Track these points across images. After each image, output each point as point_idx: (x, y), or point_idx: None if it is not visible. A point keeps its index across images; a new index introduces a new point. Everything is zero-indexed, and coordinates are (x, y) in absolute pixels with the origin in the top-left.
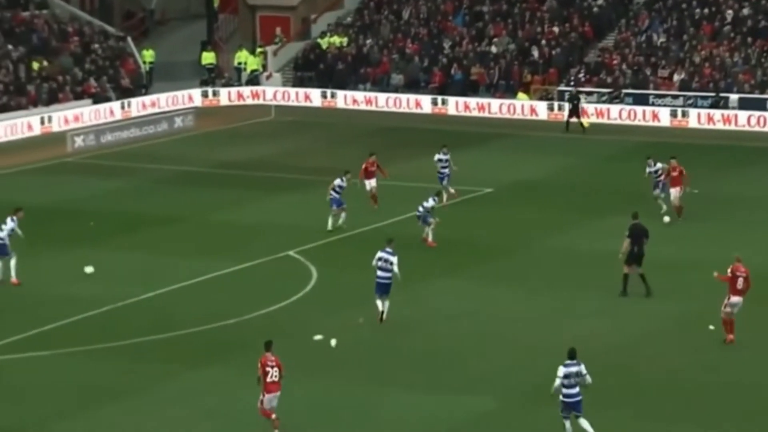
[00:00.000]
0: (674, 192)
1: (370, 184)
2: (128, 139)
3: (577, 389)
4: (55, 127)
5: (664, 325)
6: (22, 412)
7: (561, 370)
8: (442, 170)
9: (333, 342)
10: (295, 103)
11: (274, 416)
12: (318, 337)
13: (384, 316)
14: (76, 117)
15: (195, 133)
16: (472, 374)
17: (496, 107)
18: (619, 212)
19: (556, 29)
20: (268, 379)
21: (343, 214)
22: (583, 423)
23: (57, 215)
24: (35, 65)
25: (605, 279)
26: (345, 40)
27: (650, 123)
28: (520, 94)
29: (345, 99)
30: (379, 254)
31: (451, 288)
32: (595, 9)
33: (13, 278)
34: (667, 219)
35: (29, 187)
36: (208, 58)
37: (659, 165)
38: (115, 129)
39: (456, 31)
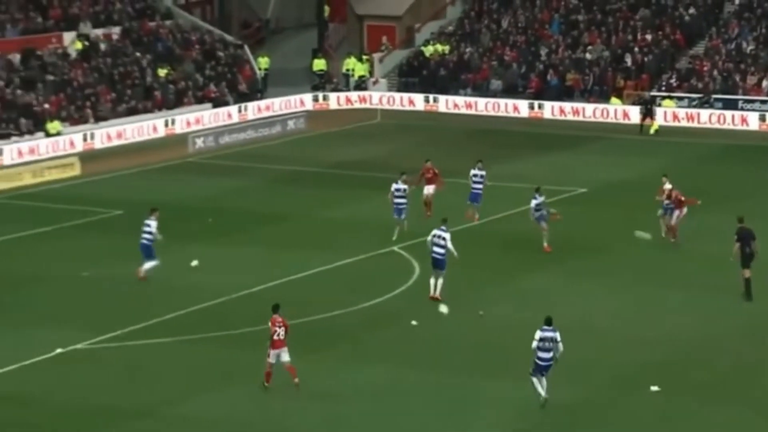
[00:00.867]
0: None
1: (428, 190)
2: (244, 140)
3: (550, 354)
4: (178, 129)
5: (753, 322)
6: (148, 393)
7: (538, 334)
8: (476, 186)
9: (444, 309)
10: (400, 107)
11: (294, 379)
12: (443, 309)
13: (437, 292)
14: (197, 120)
15: (306, 135)
16: (565, 364)
17: (590, 111)
18: (708, 212)
19: (648, 37)
20: (275, 338)
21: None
22: (544, 381)
23: (178, 212)
24: (161, 71)
25: (693, 276)
26: (447, 47)
27: (739, 127)
28: (614, 99)
29: (446, 103)
30: (434, 232)
31: (547, 282)
32: (687, 18)
33: (142, 273)
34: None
35: (153, 185)
36: (319, 64)
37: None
38: (232, 131)
39: (552, 38)
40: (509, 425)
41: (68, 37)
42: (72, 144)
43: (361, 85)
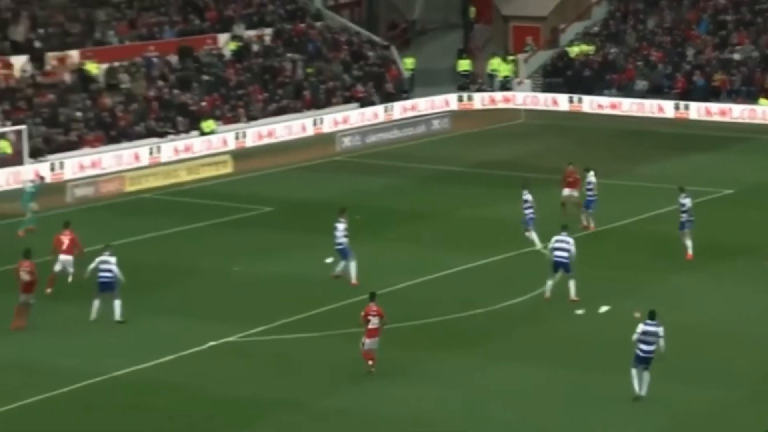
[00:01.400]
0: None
1: (571, 192)
2: (390, 140)
3: (652, 347)
4: (326, 128)
5: None
6: (296, 386)
7: (640, 327)
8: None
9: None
10: (544, 107)
11: (371, 362)
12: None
13: (572, 294)
14: (344, 119)
15: (451, 134)
16: (708, 366)
17: (737, 112)
18: None
19: None
20: (370, 326)
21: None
22: (646, 377)
23: (326, 209)
24: (310, 71)
25: None
26: (592, 48)
27: None
28: (762, 100)
29: (591, 104)
30: (556, 238)
31: (691, 284)
32: None
33: (354, 280)
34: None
35: (301, 182)
36: (464, 65)
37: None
38: (378, 130)
39: (699, 39)
40: (651, 424)
41: (223, 38)
42: (225, 142)
43: (505, 85)
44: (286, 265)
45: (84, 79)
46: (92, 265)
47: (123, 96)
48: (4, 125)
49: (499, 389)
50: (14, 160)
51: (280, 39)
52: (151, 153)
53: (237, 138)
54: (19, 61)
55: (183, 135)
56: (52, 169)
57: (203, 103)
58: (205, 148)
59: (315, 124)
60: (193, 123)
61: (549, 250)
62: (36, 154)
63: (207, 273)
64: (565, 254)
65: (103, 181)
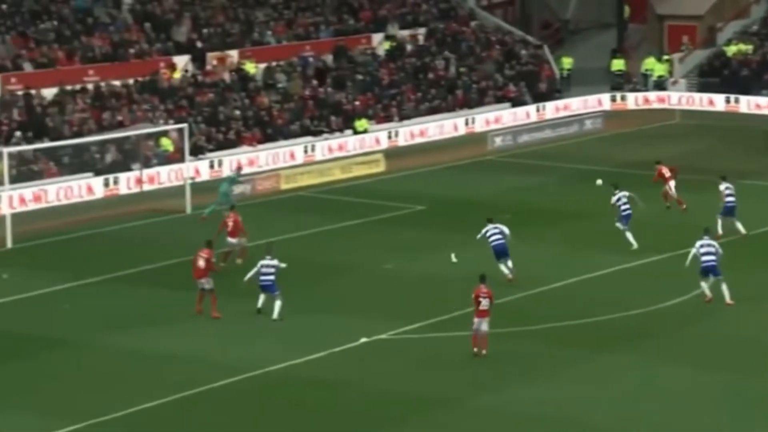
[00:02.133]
0: None
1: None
2: (542, 139)
3: (712, 256)
4: (478, 127)
5: None
6: (448, 384)
7: (697, 243)
8: (729, 200)
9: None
10: (699, 108)
11: (479, 350)
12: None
13: (727, 297)
14: (496, 119)
15: (603, 134)
16: None
17: None
18: None
19: None
20: (480, 307)
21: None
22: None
23: (477, 208)
24: (463, 71)
25: None
26: (750, 47)
27: None
28: None
29: (748, 104)
30: (700, 242)
31: None
32: None
33: (510, 276)
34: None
35: (453, 181)
36: (618, 64)
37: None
38: (530, 130)
39: None
40: None
41: (377, 37)
42: (378, 141)
43: (660, 85)
44: (437, 263)
45: (242, 78)
46: (254, 270)
47: (279, 95)
48: (166, 123)
49: (650, 390)
50: (176, 158)
51: (433, 38)
52: (305, 151)
53: (389, 137)
54: (181, 61)
55: (337, 134)
56: (211, 166)
57: (357, 103)
58: (359, 147)
59: (467, 123)
60: (346, 122)
61: (694, 256)
62: (196, 151)
63: (359, 270)
64: (712, 258)
65: (259, 178)
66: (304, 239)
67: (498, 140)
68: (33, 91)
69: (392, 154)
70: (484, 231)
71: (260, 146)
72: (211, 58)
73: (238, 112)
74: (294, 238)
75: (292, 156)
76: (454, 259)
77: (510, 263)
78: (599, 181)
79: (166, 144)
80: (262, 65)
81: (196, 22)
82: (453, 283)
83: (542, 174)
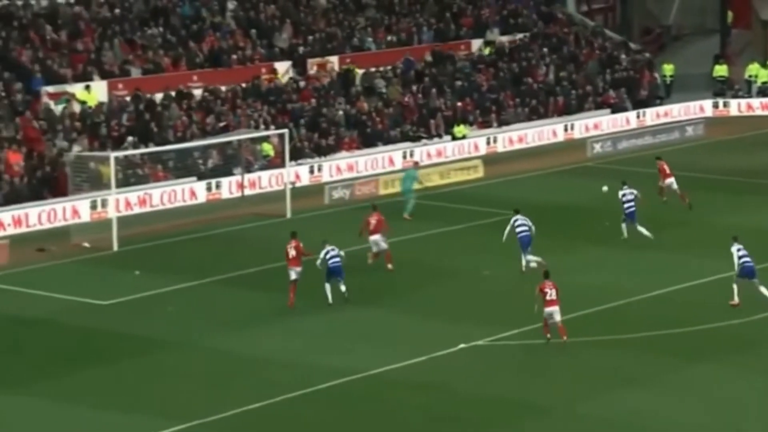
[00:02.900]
0: None
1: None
2: (642, 146)
3: (750, 258)
4: (577, 133)
5: None
6: (546, 391)
7: (734, 249)
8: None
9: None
10: None
11: (551, 337)
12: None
13: None
14: (595, 125)
15: (704, 141)
16: None
17: None
18: None
19: None
20: (548, 298)
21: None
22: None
23: (576, 214)
24: (563, 75)
25: None
26: None
27: None
28: None
29: None
30: (735, 246)
31: None
32: None
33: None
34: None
35: (551, 188)
36: (720, 70)
37: (630, 190)
38: (630, 137)
39: None
40: None
41: (476, 43)
42: (476, 147)
43: (764, 91)
44: (534, 270)
45: (343, 83)
46: (321, 256)
47: (379, 100)
48: (267, 129)
49: (751, 401)
50: (276, 162)
51: (533, 43)
52: (404, 157)
53: (488, 143)
54: (283, 67)
55: (436, 139)
56: (311, 171)
57: (456, 108)
58: (457, 153)
59: (566, 129)
60: (445, 128)
61: (737, 266)
62: (297, 156)
63: (457, 276)
64: (748, 260)
65: (358, 183)
66: (402, 245)
67: (597, 147)
68: (140, 96)
69: (491, 160)
70: (512, 221)
71: (359, 152)
72: (312, 64)
73: (338, 118)
74: (391, 243)
75: (391, 161)
76: (532, 264)
77: (530, 255)
78: (605, 188)
79: (268, 149)
80: (362, 70)
81: (297, 27)
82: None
83: (641, 181)
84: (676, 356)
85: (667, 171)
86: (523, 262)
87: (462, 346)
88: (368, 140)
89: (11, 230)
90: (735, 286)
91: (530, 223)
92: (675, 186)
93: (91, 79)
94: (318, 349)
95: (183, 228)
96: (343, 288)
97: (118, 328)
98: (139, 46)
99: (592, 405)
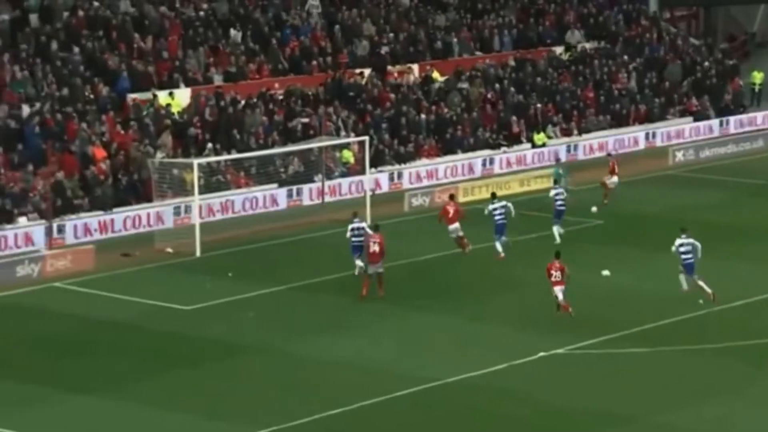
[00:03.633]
0: None
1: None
2: (725, 154)
3: (690, 255)
4: (659, 141)
5: None
6: (627, 401)
7: (677, 242)
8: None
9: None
10: None
11: (570, 310)
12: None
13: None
14: (677, 133)
15: None
16: None
17: None
18: None
19: None
20: (553, 279)
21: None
22: (701, 282)
23: (657, 224)
24: (646, 82)
25: None
26: None
27: None
28: None
29: None
30: (678, 241)
31: None
32: None
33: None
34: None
35: (633, 196)
36: None
37: (691, 240)
38: (713, 145)
39: None
40: None
41: (557, 48)
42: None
43: None
44: (615, 279)
45: (425, 88)
46: (348, 233)
47: (461, 106)
48: (348, 135)
49: None
50: (356, 169)
51: (615, 49)
52: (484, 165)
53: (568, 151)
54: (365, 69)
55: (515, 147)
56: (391, 179)
57: (537, 114)
58: (537, 161)
59: (648, 137)
60: (526, 134)
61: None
62: (377, 164)
63: (537, 284)
64: (689, 256)
65: (438, 191)
66: (482, 251)
67: (679, 155)
68: (222, 103)
69: (571, 167)
70: (491, 207)
71: (439, 159)
72: (393, 67)
73: (419, 124)
74: (476, 250)
75: (471, 169)
76: (604, 273)
77: (504, 239)
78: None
79: (348, 156)
80: (445, 74)
81: (379, 28)
82: (631, 299)
83: (724, 190)
84: (762, 366)
85: (615, 170)
86: (499, 248)
87: (542, 354)
88: (448, 147)
89: (97, 236)
90: (681, 276)
91: (511, 208)
92: (613, 186)
93: (175, 86)
94: (397, 355)
95: (264, 234)
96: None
97: (200, 333)
98: (223, 52)
99: (674, 415)
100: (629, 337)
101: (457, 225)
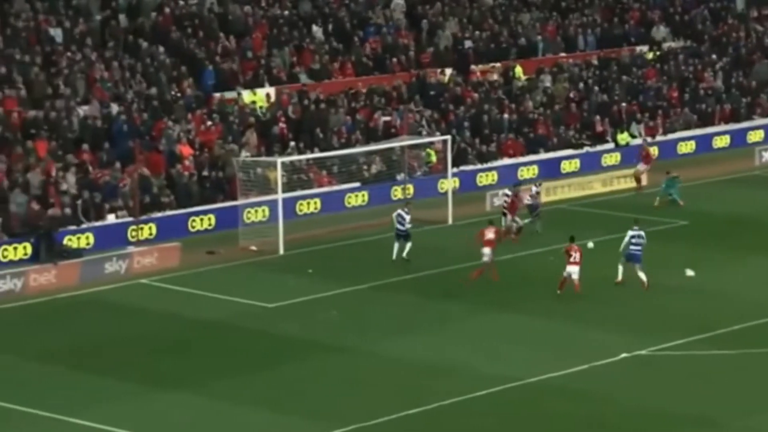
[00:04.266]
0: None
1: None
2: None
3: (639, 247)
4: (745, 141)
5: None
6: (710, 403)
7: (629, 233)
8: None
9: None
10: None
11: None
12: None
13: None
14: (766, 133)
15: None
16: None
17: None
18: None
19: None
20: (571, 260)
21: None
22: (641, 273)
23: (742, 224)
24: (732, 81)
25: None
26: None
27: None
28: None
29: None
30: (630, 233)
31: None
32: None
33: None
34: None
35: (718, 197)
36: None
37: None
38: None
39: None
40: None
41: (643, 45)
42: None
43: None
44: (700, 280)
45: (507, 87)
46: (394, 217)
47: (544, 104)
48: (429, 134)
49: None
50: (438, 169)
51: (702, 48)
52: (567, 164)
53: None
54: (447, 67)
55: (598, 147)
56: (473, 177)
57: (622, 113)
58: (620, 160)
59: (733, 137)
60: (610, 134)
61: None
62: (459, 163)
63: (626, 285)
64: (638, 248)
65: (520, 190)
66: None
67: (766, 155)
68: (306, 101)
69: (654, 167)
70: (630, 234)
71: (521, 158)
72: (477, 66)
73: (501, 122)
74: (555, 251)
75: (554, 168)
76: (689, 273)
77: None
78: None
79: (431, 155)
80: (527, 72)
81: (462, 26)
82: (716, 300)
83: None
84: None
85: (649, 157)
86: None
87: (624, 355)
88: (531, 146)
89: (183, 233)
90: (620, 267)
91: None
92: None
93: (260, 84)
94: (476, 355)
95: (346, 233)
96: (406, 250)
97: (282, 330)
98: (307, 51)
99: (759, 419)
100: (714, 339)
101: (512, 217)
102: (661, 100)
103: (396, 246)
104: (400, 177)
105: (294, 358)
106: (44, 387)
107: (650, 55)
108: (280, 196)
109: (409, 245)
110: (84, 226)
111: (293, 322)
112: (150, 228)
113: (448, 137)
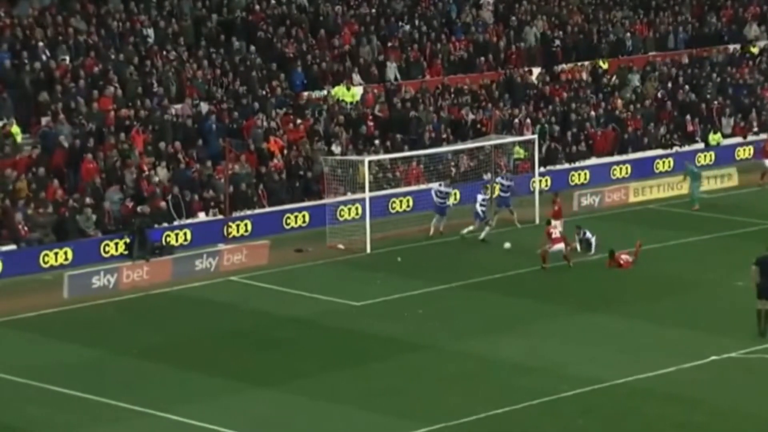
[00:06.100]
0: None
1: None
2: None
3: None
4: None
5: None
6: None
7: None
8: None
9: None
10: None
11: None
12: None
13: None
14: None
15: None
16: None
17: None
18: None
19: None
20: (553, 237)
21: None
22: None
23: None
24: None
25: None
26: None
27: None
28: None
29: None
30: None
31: None
32: None
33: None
34: None
35: None
36: None
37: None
38: None
39: None
40: None
41: (735, 44)
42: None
43: None
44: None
45: (596, 86)
46: (434, 193)
47: (633, 103)
48: (520, 133)
49: None
50: (526, 168)
51: None
52: (657, 164)
53: (744, 151)
54: (536, 63)
55: (686, 147)
56: (561, 177)
57: (713, 111)
58: (711, 161)
59: None
60: (702, 132)
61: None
62: (548, 162)
63: (708, 285)
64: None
65: (608, 190)
66: (652, 252)
67: None
68: (394, 99)
69: (747, 168)
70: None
71: (610, 158)
72: (565, 65)
73: (590, 120)
74: (647, 251)
75: (643, 168)
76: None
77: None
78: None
79: (519, 152)
80: (618, 70)
81: (551, 23)
82: None
83: None
84: None
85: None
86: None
87: (713, 357)
88: (620, 146)
89: (272, 231)
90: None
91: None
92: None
93: (350, 81)
94: (563, 356)
95: (433, 231)
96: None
97: (368, 329)
98: (395, 49)
99: None
100: None
101: (558, 221)
102: (754, 99)
103: (434, 221)
104: (486, 177)
105: (381, 357)
106: (135, 382)
107: (747, 50)
108: (367, 194)
109: (470, 228)
110: (177, 223)
111: (380, 320)
112: (245, 224)
113: (535, 137)
